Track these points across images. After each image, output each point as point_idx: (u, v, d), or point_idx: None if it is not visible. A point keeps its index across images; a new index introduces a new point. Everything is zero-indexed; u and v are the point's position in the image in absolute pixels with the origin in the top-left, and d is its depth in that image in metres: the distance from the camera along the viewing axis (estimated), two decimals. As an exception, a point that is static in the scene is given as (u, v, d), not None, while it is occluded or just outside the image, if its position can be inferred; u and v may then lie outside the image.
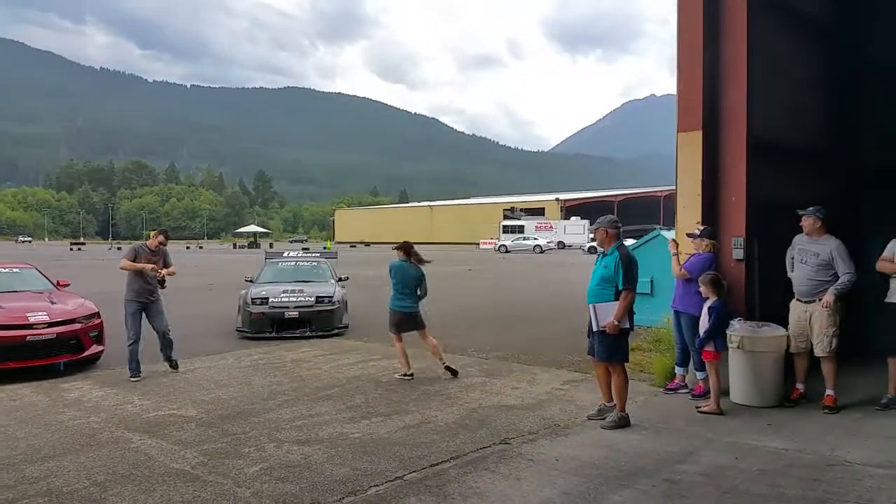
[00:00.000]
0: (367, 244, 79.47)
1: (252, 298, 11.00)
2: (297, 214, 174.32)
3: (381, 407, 6.38)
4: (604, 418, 5.68)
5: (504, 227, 64.28)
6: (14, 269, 10.07)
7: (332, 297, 11.31)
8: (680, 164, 6.95)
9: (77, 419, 6.05)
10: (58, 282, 9.81)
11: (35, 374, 7.77)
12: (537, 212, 74.16)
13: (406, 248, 7.76)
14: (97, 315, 8.74)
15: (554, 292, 18.52)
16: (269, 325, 10.84)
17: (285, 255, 14.47)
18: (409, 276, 7.69)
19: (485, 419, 5.89)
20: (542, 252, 50.73)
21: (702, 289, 6.15)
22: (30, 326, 7.90)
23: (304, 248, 16.53)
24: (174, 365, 8.24)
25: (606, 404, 5.83)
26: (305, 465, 4.76)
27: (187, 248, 75.92)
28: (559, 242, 59.16)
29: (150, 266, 7.86)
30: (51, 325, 8.03)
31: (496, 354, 9.11)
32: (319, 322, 10.98)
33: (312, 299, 11.08)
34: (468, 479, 4.43)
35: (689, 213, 6.83)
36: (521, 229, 61.71)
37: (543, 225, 64.90)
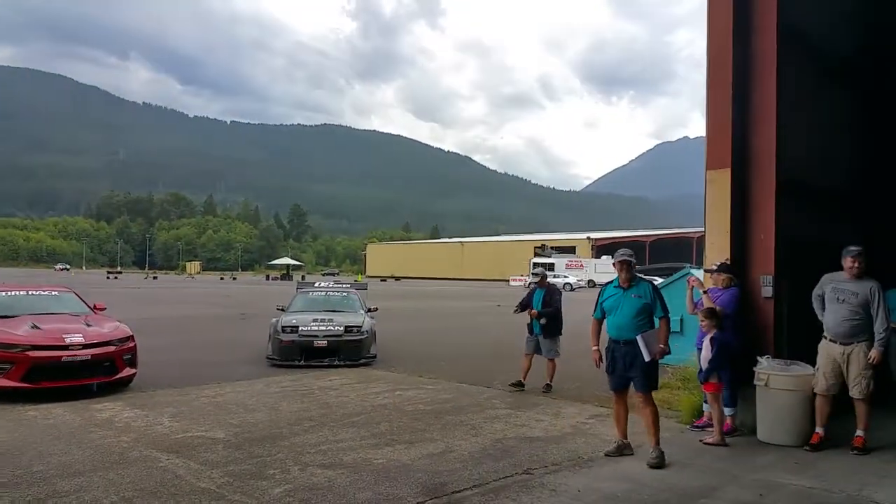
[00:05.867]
0: (398, 278, 79.89)
1: (282, 327, 11.16)
2: (329, 248, 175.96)
3: (406, 435, 6.42)
4: (622, 454, 5.69)
5: (534, 264, 63.90)
6: (53, 293, 10.40)
7: (360, 326, 11.40)
8: (709, 201, 6.98)
9: (107, 438, 6.19)
10: (94, 305, 10.08)
11: (69, 395, 7.97)
12: (568, 250, 73.95)
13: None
14: (131, 338, 8.94)
15: (584, 330, 18.30)
16: (298, 353, 10.96)
17: (316, 284, 14.67)
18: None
19: (508, 450, 5.89)
20: (572, 290, 50.38)
21: (703, 322, 6.23)
22: (66, 347, 8.12)
23: (335, 281, 16.71)
24: None
25: (625, 441, 5.80)
26: (328, 487, 4.81)
27: (221, 278, 77.18)
28: (589, 281, 58.80)
29: None
30: (86, 346, 8.24)
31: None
32: (348, 351, 11.06)
33: (342, 329, 11.18)
34: (488, 507, 4.43)
35: (718, 251, 6.83)
36: (551, 267, 61.39)
37: (574, 263, 64.60)
